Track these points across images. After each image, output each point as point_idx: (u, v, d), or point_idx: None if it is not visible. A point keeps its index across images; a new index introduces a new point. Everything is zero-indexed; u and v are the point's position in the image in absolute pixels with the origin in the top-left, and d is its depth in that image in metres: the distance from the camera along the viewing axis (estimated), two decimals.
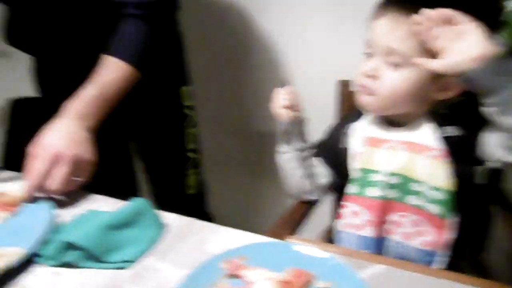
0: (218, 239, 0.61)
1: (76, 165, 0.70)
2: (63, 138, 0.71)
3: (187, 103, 1.09)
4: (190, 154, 1.12)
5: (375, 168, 0.66)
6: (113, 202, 0.73)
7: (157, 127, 1.07)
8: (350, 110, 0.93)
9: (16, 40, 0.97)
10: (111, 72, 0.78)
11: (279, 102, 0.74)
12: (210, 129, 1.33)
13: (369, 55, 0.65)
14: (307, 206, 0.80)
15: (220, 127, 1.62)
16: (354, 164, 0.70)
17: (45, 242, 0.59)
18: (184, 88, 1.08)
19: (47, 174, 0.68)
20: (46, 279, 0.54)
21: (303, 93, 0.91)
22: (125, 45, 0.80)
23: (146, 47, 0.83)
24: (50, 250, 0.57)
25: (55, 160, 0.69)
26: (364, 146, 0.69)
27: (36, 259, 0.57)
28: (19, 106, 0.99)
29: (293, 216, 0.77)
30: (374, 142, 0.68)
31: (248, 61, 1.50)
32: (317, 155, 0.78)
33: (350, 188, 0.68)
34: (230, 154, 1.70)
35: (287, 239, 0.64)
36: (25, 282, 0.53)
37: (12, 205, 0.68)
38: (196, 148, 1.14)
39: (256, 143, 1.65)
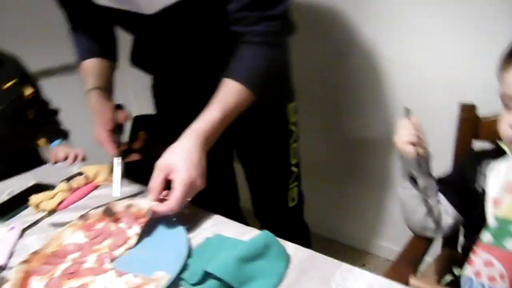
0: (341, 276, 0.63)
1: (192, 188, 0.75)
2: (186, 160, 0.75)
3: (292, 119, 1.11)
4: (293, 169, 1.15)
5: None
6: (227, 223, 0.80)
7: (264, 143, 1.11)
8: (473, 138, 0.88)
9: (138, 62, 1.07)
10: (234, 97, 0.82)
11: (404, 137, 0.71)
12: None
13: (509, 107, 0.61)
14: (426, 242, 0.78)
15: (315, 136, 1.63)
16: (491, 210, 0.66)
17: (184, 266, 0.65)
18: (290, 104, 1.10)
19: (167, 192, 0.75)
20: None
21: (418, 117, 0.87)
22: (247, 70, 0.83)
23: (265, 72, 0.86)
24: (191, 276, 0.64)
25: (176, 181, 0.74)
26: (506, 193, 0.65)
27: (180, 282, 0.64)
28: (138, 122, 1.08)
29: (414, 253, 0.75)
30: None
31: (351, 73, 1.48)
32: (444, 192, 0.75)
33: (485, 236, 0.65)
34: (324, 162, 1.71)
35: (411, 281, 0.63)
36: None
37: (141, 217, 0.75)
38: (298, 162, 1.16)
39: (349, 150, 1.64)
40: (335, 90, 1.55)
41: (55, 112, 1.40)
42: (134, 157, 0.87)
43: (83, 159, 1.21)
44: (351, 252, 1.79)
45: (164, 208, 0.72)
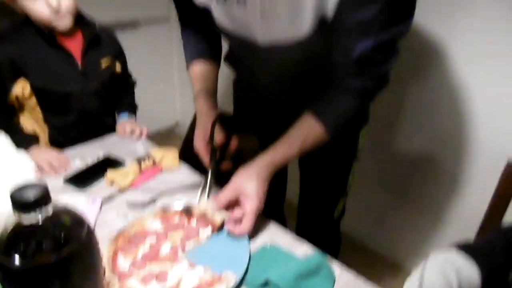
0: None
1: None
2: (260, 191, 0.88)
3: (361, 143, 1.20)
4: (347, 187, 1.27)
5: None
6: (280, 232, 0.95)
7: (329, 160, 1.20)
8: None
9: (232, 62, 1.21)
10: (314, 139, 0.93)
11: None
12: None
13: None
14: None
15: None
16: None
17: (246, 268, 0.83)
18: (363, 130, 1.18)
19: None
20: None
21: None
22: (336, 119, 0.92)
23: (351, 121, 0.96)
24: (253, 279, 0.81)
25: (249, 209, 0.88)
26: None
27: (243, 282, 0.81)
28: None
29: None
30: None
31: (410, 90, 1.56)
32: (468, 252, 0.75)
33: None
34: (370, 174, 1.84)
35: None
36: None
37: (213, 224, 0.92)
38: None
39: (396, 168, 1.76)
40: (394, 108, 1.65)
41: (133, 85, 1.55)
42: (226, 165, 0.99)
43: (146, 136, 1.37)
44: (376, 260, 1.98)
45: (237, 231, 0.88)
